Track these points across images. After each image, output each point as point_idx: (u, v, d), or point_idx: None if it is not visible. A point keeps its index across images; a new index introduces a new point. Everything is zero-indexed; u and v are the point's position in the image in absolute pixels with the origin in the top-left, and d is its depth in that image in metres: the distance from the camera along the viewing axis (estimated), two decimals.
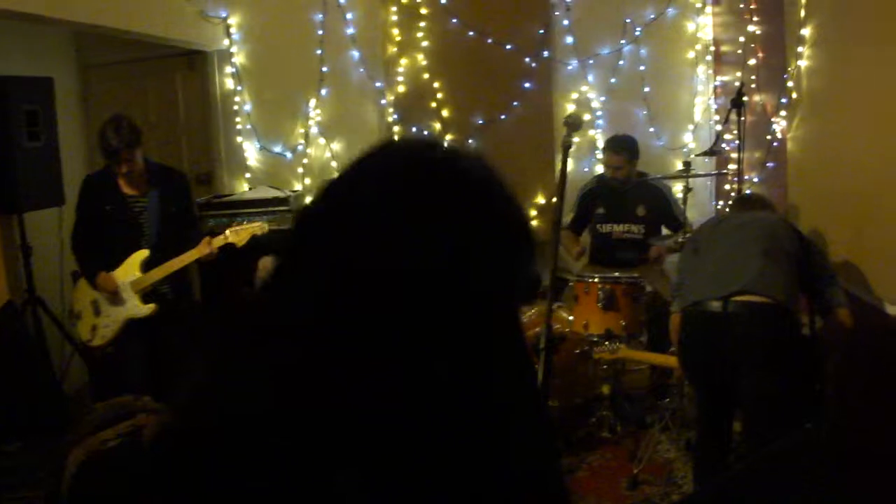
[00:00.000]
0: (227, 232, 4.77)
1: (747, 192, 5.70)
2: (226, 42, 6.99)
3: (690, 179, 5.32)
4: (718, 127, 6.22)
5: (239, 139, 7.10)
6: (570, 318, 5.22)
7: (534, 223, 6.59)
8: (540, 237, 6.46)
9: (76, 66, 7.31)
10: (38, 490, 4.41)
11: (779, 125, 6.17)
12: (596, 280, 5.07)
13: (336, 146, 6.99)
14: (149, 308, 4.79)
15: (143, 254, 4.81)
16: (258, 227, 4.78)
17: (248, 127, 7.08)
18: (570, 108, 6.57)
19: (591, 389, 5.21)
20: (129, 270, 4.81)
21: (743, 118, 5.43)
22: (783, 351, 3.58)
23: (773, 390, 3.52)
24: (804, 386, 3.81)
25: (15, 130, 5.42)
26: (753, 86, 6.13)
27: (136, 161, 4.72)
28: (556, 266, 2.93)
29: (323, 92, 6.88)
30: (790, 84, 5.97)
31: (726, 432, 3.85)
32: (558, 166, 6.53)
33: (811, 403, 3.93)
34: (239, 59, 7.02)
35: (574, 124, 3.16)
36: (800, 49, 5.86)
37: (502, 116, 6.64)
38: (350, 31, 6.77)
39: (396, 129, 6.83)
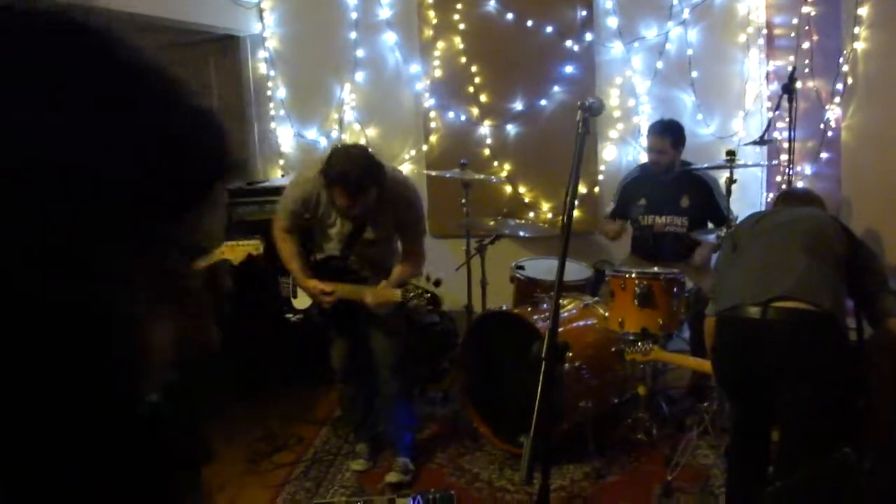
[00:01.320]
0: (224, 248, 4.45)
1: (795, 186, 5.38)
2: (259, 26, 6.87)
3: (738, 170, 5.00)
4: (770, 114, 5.89)
5: (273, 125, 6.98)
6: (606, 314, 4.96)
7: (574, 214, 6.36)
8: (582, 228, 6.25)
9: None
10: None
11: (833, 113, 5.74)
12: (633, 275, 4.80)
13: (371, 132, 6.83)
14: None
15: None
16: (254, 246, 4.53)
17: (282, 112, 6.95)
18: (615, 93, 6.28)
19: (626, 390, 4.96)
20: None
21: (795, 105, 5.11)
22: (828, 364, 3.20)
23: (816, 407, 3.15)
24: (847, 402, 3.44)
25: None
26: (807, 71, 5.72)
27: None
28: (563, 269, 2.64)
29: (357, 77, 6.72)
30: (846, 69, 5.56)
31: (763, 447, 3.51)
32: (600, 155, 6.35)
33: (852, 421, 3.57)
34: (272, 43, 6.88)
35: (591, 108, 2.85)
36: (856, 30, 5.45)
37: (542, 102, 6.39)
38: (385, 13, 6.58)
39: (433, 114, 6.61)
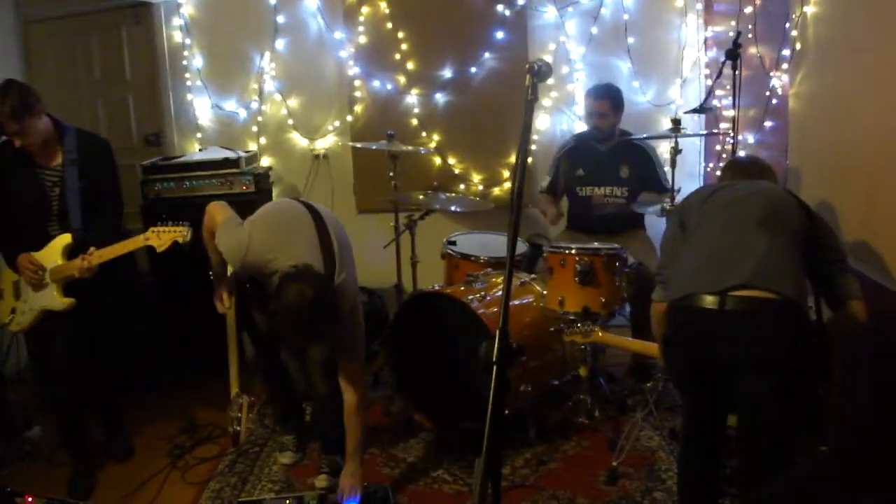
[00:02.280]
0: (149, 233, 4.13)
1: (742, 155, 5.16)
2: None
3: (679, 140, 4.79)
4: (709, 82, 5.68)
5: (189, 96, 6.62)
6: (544, 292, 4.73)
7: (507, 186, 6.13)
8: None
9: (15, 21, 6.81)
10: None
11: (779, 80, 5.52)
12: (573, 251, 4.56)
13: (293, 103, 6.51)
14: (65, 303, 4.23)
15: (66, 239, 4.23)
16: (181, 233, 4.11)
17: (199, 83, 6.59)
18: (549, 60, 5.99)
19: (567, 371, 4.74)
20: (51, 256, 4.24)
21: (739, 72, 4.90)
22: (791, 355, 2.94)
23: (779, 399, 2.90)
24: (809, 390, 3.19)
25: None
26: (750, 36, 5.49)
27: (32, 133, 4.12)
28: (514, 249, 2.35)
29: (278, 44, 6.39)
30: (794, 34, 5.33)
31: (717, 438, 3.27)
32: (533, 125, 6.10)
33: (813, 409, 3.34)
34: (187, 10, 6.49)
35: (539, 71, 2.56)
36: None
37: (473, 69, 6.13)
38: None
39: (358, 83, 6.31)
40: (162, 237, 4.07)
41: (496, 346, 2.20)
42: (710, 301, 2.99)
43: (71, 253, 4.22)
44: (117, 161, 4.61)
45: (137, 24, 6.70)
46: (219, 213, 4.00)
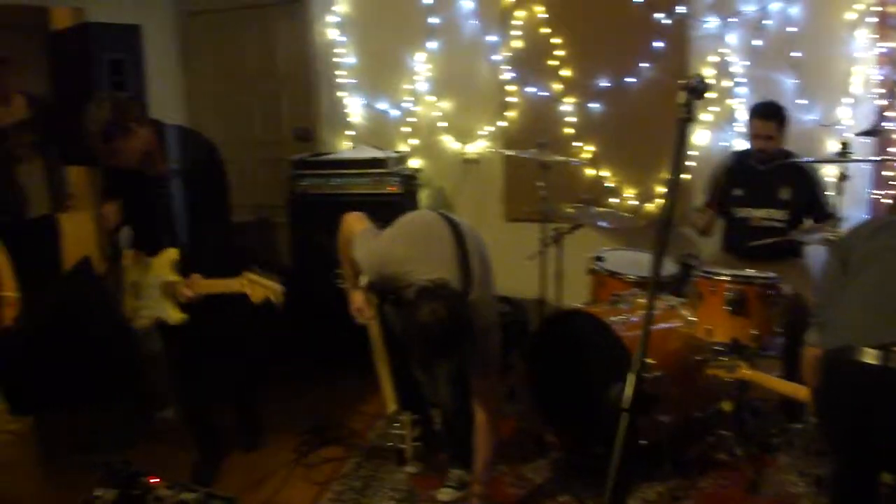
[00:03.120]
0: (245, 280, 3.93)
1: None
2: None
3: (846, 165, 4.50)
4: (881, 102, 5.33)
5: (341, 94, 6.66)
6: (692, 318, 4.52)
7: (660, 202, 5.90)
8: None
9: (173, 14, 6.98)
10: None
11: None
12: (724, 278, 4.34)
13: (445, 105, 6.45)
14: (179, 318, 4.15)
15: (174, 255, 4.15)
16: (274, 291, 3.91)
17: (351, 81, 6.60)
18: (709, 72, 5.75)
19: (710, 403, 4.51)
20: (162, 269, 4.18)
21: None
22: None
23: None
24: None
25: (98, 80, 5.17)
26: None
27: (122, 156, 3.98)
28: (658, 275, 2.19)
29: (432, 45, 6.34)
30: None
31: (870, 500, 3.03)
32: (691, 139, 5.86)
33: None
34: (342, 7, 6.55)
35: (696, 88, 2.39)
36: None
37: (629, 79, 5.90)
38: None
39: (511, 88, 6.19)
40: (256, 290, 3.91)
41: (629, 390, 2.05)
42: (872, 356, 2.75)
43: (180, 270, 4.14)
44: (223, 165, 4.35)
45: (292, 20, 6.79)
46: (356, 223, 3.96)
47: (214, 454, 4.66)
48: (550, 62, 6.06)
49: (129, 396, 5.13)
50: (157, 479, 3.73)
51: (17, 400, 4.82)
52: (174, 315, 4.16)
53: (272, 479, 4.48)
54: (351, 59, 6.58)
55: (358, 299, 4.13)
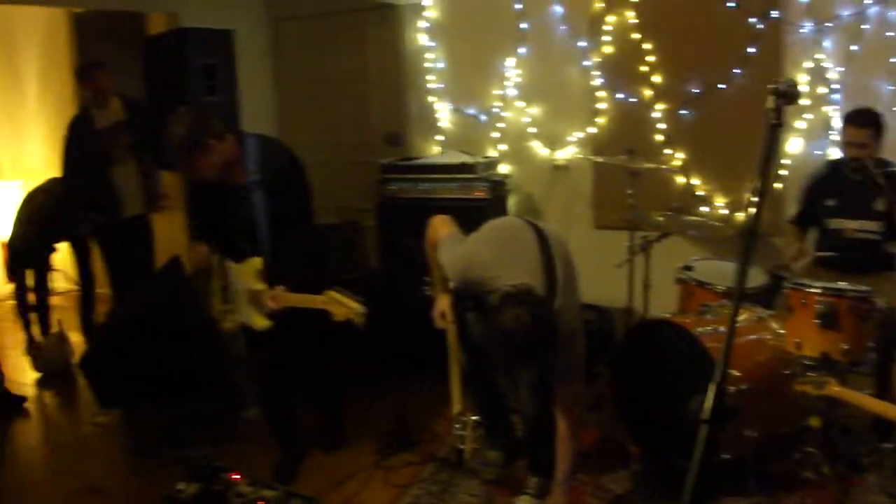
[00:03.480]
0: (328, 298, 3.92)
1: None
2: None
3: None
4: None
5: (431, 99, 6.71)
6: (781, 331, 4.42)
7: (752, 212, 5.76)
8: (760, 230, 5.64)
9: (264, 19, 7.10)
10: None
11: None
12: (815, 291, 4.24)
13: (534, 110, 6.42)
14: (264, 326, 4.22)
15: (258, 264, 4.18)
16: (356, 312, 3.89)
17: (441, 85, 6.63)
18: (804, 79, 5.60)
19: (798, 419, 4.40)
20: (247, 277, 4.24)
21: None
22: None
23: None
24: None
25: (191, 84, 5.38)
26: None
27: (201, 171, 4.01)
28: (743, 286, 2.15)
29: (522, 51, 6.35)
30: None
31: None
32: (784, 148, 5.73)
33: None
34: (432, 12, 6.60)
35: (786, 93, 2.34)
36: None
37: (721, 86, 5.78)
38: None
39: (601, 94, 6.14)
40: (338, 309, 3.90)
41: (710, 401, 2.02)
42: None
43: (265, 278, 4.18)
44: (304, 173, 4.35)
45: (383, 25, 6.85)
46: (442, 226, 3.98)
47: (296, 454, 4.73)
48: (641, 68, 5.99)
49: (215, 395, 5.23)
50: (239, 476, 3.80)
51: (107, 394, 4.97)
52: (259, 322, 4.23)
53: (352, 480, 4.51)
54: (441, 64, 6.62)
55: (443, 303, 4.17)
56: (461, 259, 3.77)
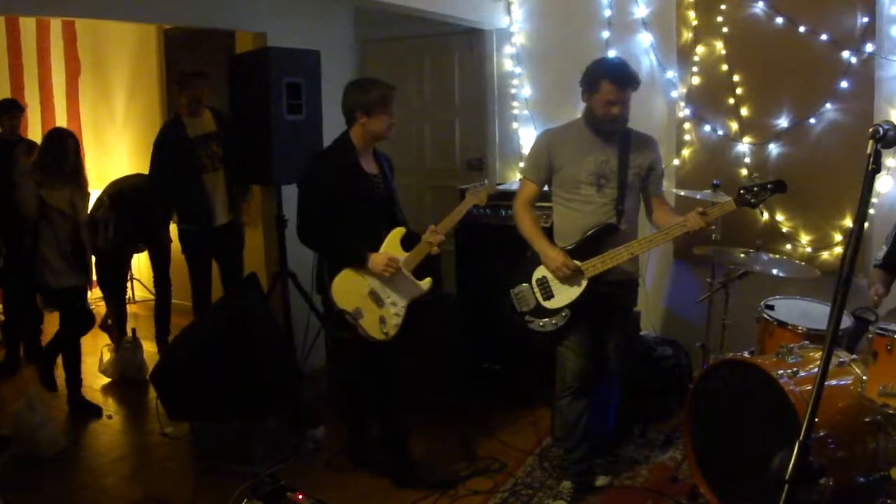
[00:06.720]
0: (469, 196, 4.73)
1: None
2: (506, 20, 6.61)
3: None
4: None
5: (515, 125, 6.70)
6: (864, 377, 4.29)
7: (837, 251, 5.62)
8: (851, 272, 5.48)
9: (352, 41, 7.17)
10: None
11: None
12: None
13: None
14: (427, 283, 4.64)
15: (400, 232, 4.65)
16: (487, 190, 4.83)
17: (526, 112, 6.61)
18: None
19: (877, 468, 4.25)
20: (393, 250, 4.58)
21: None
22: None
23: None
24: None
25: (276, 102, 5.46)
26: None
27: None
28: (836, 332, 2.08)
29: None
30: None
31: None
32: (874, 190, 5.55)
33: None
34: (519, 39, 6.60)
35: (885, 138, 2.26)
36: None
37: (811, 120, 5.64)
38: (641, 12, 6.13)
39: (687, 126, 6.06)
40: (478, 195, 4.75)
41: (793, 460, 1.95)
42: None
43: (404, 243, 4.60)
44: None
45: (470, 50, 6.86)
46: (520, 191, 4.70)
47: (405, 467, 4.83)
48: (729, 100, 5.89)
49: (284, 413, 5.26)
50: (302, 496, 3.82)
51: (177, 408, 5.04)
52: (423, 285, 4.64)
53: None
54: (526, 91, 6.58)
55: (562, 261, 4.37)
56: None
